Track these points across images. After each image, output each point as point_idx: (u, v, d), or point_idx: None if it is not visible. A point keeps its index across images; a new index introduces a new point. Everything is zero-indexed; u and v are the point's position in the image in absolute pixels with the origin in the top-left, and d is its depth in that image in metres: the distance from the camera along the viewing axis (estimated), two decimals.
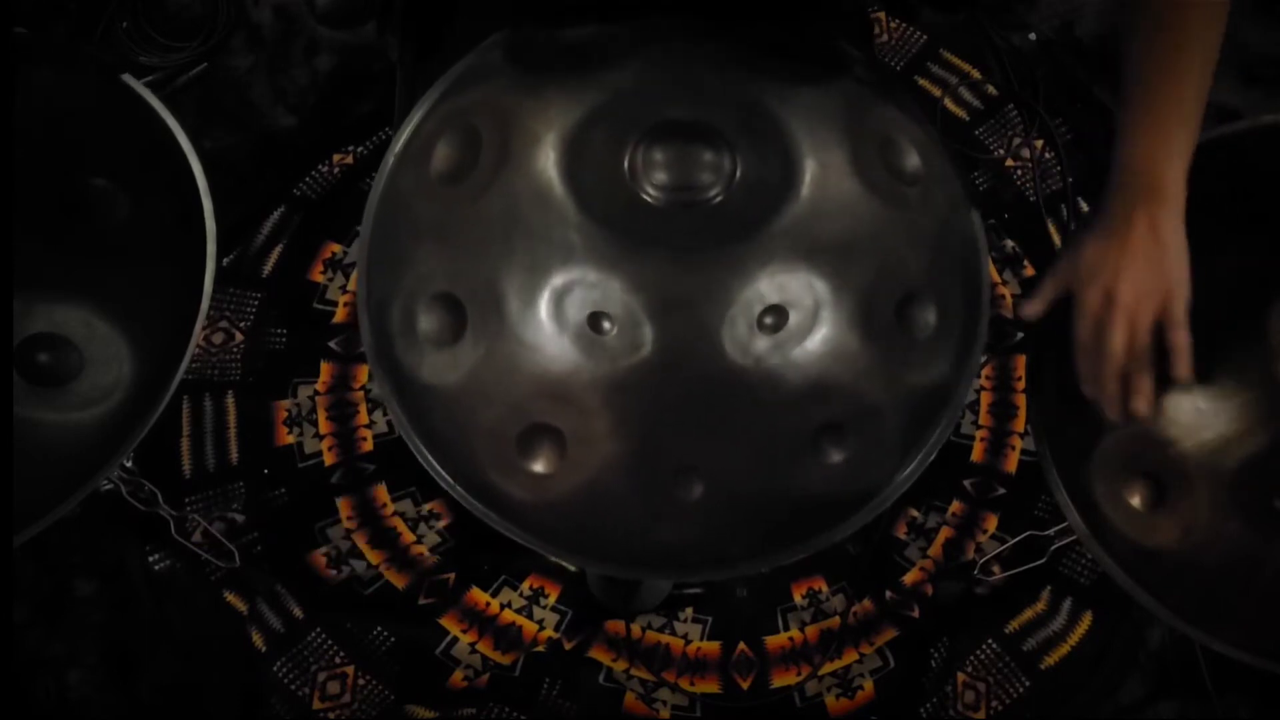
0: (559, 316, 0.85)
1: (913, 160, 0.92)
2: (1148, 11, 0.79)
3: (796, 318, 0.86)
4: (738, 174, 0.87)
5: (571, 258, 0.85)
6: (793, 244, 0.86)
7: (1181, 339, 0.81)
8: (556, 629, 1.37)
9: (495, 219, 0.87)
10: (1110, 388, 0.82)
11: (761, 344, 0.85)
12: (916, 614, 1.39)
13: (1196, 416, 1.03)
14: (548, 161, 0.87)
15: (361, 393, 1.48)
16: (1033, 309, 0.86)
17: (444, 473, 0.89)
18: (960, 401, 0.90)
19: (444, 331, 0.88)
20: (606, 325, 0.85)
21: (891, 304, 0.88)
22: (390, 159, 0.89)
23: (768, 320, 0.86)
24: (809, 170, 0.87)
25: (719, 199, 0.87)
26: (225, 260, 1.51)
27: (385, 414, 1.46)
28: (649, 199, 0.86)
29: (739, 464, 0.88)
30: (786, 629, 1.39)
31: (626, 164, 0.86)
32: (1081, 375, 0.84)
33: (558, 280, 0.85)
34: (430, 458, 0.89)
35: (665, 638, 1.38)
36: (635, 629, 1.37)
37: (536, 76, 0.91)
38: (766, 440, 0.87)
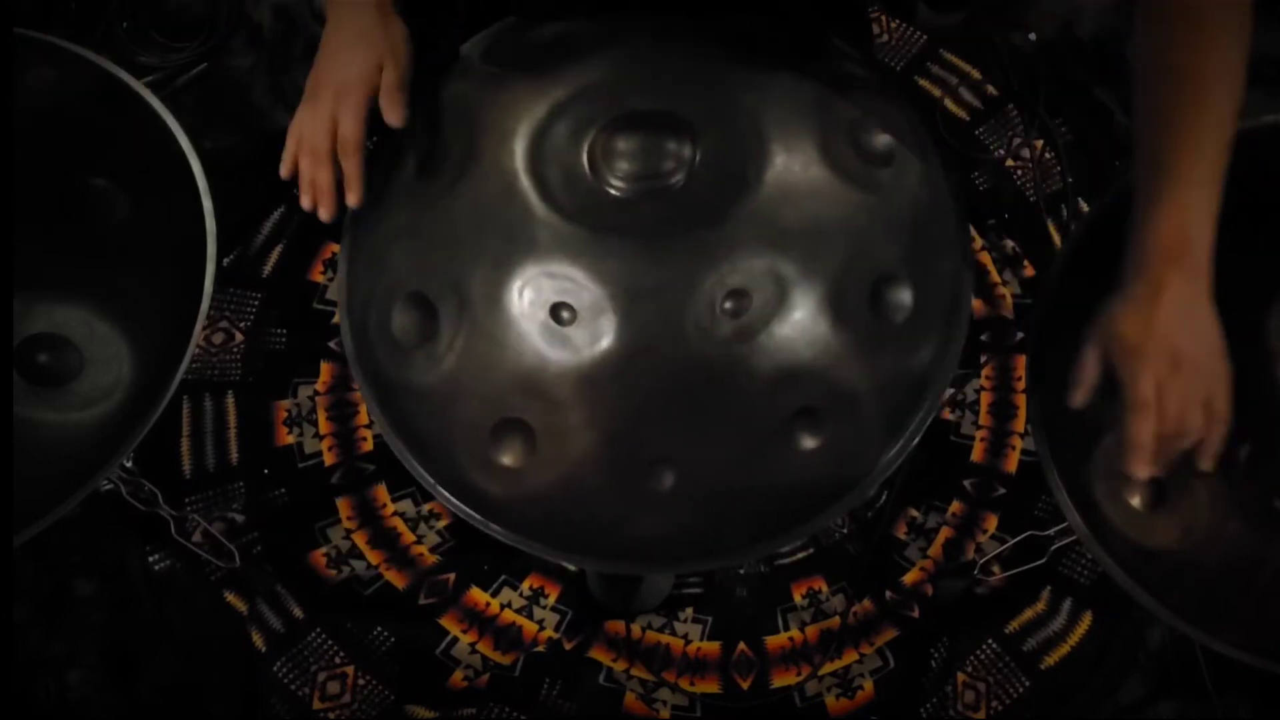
0: (523, 310, 0.85)
1: (883, 140, 0.91)
2: (1162, 69, 0.77)
3: (760, 301, 0.85)
4: (699, 161, 0.87)
5: (535, 251, 0.85)
6: (759, 229, 0.86)
7: (1219, 435, 0.81)
8: (556, 629, 1.38)
9: (464, 217, 0.88)
10: (1174, 455, 0.81)
11: (725, 328, 0.85)
12: (916, 614, 1.39)
13: None
14: (513, 157, 0.87)
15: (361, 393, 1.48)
16: (1081, 396, 0.84)
17: (425, 473, 0.89)
18: (942, 385, 0.89)
19: (418, 332, 0.89)
20: (566, 316, 0.85)
21: (864, 287, 0.87)
22: (371, 162, 0.90)
23: (728, 305, 0.85)
24: (775, 155, 0.87)
25: (680, 185, 0.87)
26: (225, 260, 1.51)
27: None
28: (611, 189, 0.87)
29: (712, 453, 0.87)
30: (786, 629, 1.39)
31: (586, 155, 0.87)
32: (1143, 449, 0.80)
33: (522, 275, 0.85)
34: (412, 458, 0.89)
35: (665, 638, 1.38)
36: (635, 629, 1.37)
37: (507, 74, 0.91)
38: (738, 428, 0.87)
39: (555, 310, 0.85)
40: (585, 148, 0.87)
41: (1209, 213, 0.77)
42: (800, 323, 0.86)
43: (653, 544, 0.90)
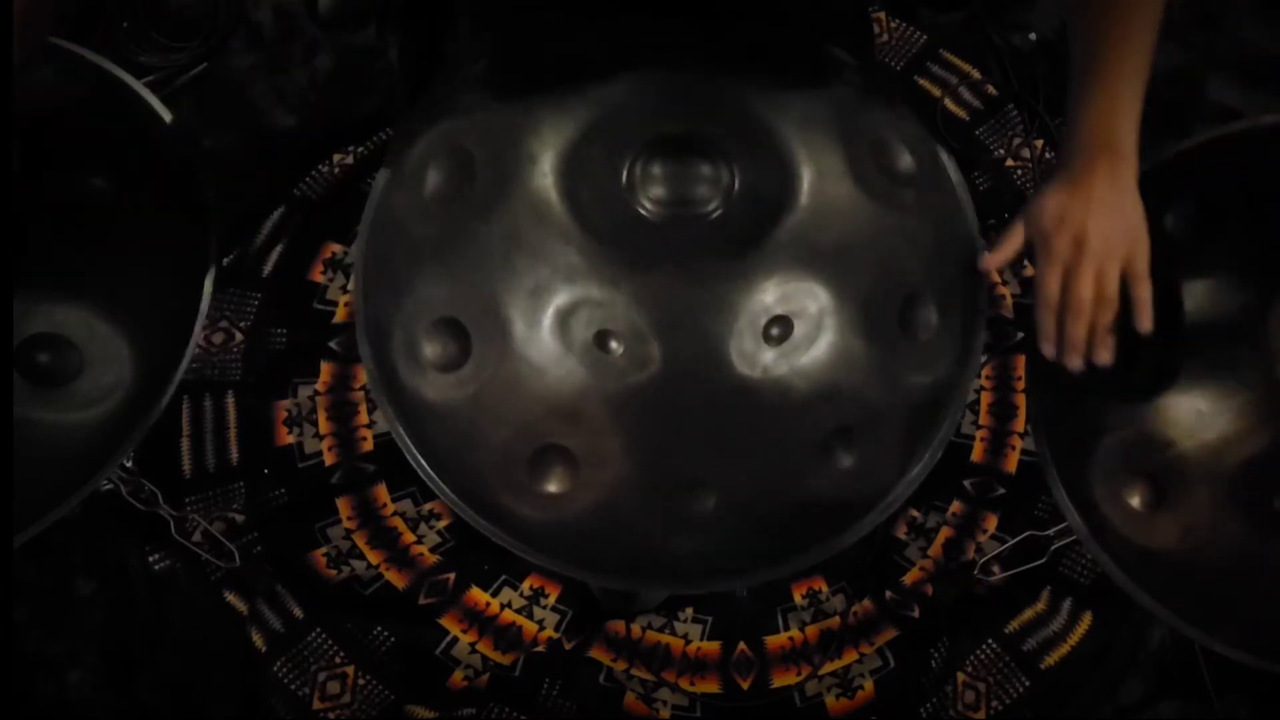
0: (565, 336, 0.85)
1: (906, 161, 0.92)
2: None
3: (802, 327, 0.86)
4: (736, 186, 0.87)
5: (574, 277, 0.85)
6: (794, 253, 0.86)
7: (1145, 292, 0.84)
8: (556, 629, 1.38)
9: (495, 241, 0.87)
10: (1076, 338, 0.83)
11: (768, 356, 0.86)
12: (916, 614, 1.39)
13: (1196, 417, 1.03)
14: (545, 181, 0.86)
15: (361, 393, 1.48)
16: (995, 260, 0.87)
17: (456, 498, 0.88)
18: (963, 397, 0.90)
19: (449, 356, 0.88)
20: (614, 344, 0.85)
21: (893, 306, 0.88)
22: (380, 182, 0.89)
23: (774, 331, 0.86)
24: (806, 178, 0.87)
25: (719, 212, 0.87)
26: (225, 260, 1.51)
27: None
28: (648, 214, 0.87)
29: (750, 475, 0.88)
30: (786, 629, 1.39)
31: (624, 180, 0.87)
32: (1043, 330, 0.85)
33: (562, 300, 0.85)
34: (442, 484, 0.88)
35: (665, 638, 1.38)
36: (635, 629, 1.37)
37: (527, 94, 0.91)
38: (777, 450, 0.87)
39: (601, 337, 0.85)
40: (623, 172, 0.87)
41: (1132, 108, 0.82)
42: (836, 344, 0.87)
43: (690, 563, 0.89)
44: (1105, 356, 0.85)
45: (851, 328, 0.86)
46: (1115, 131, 0.82)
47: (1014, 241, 0.87)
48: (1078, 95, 0.84)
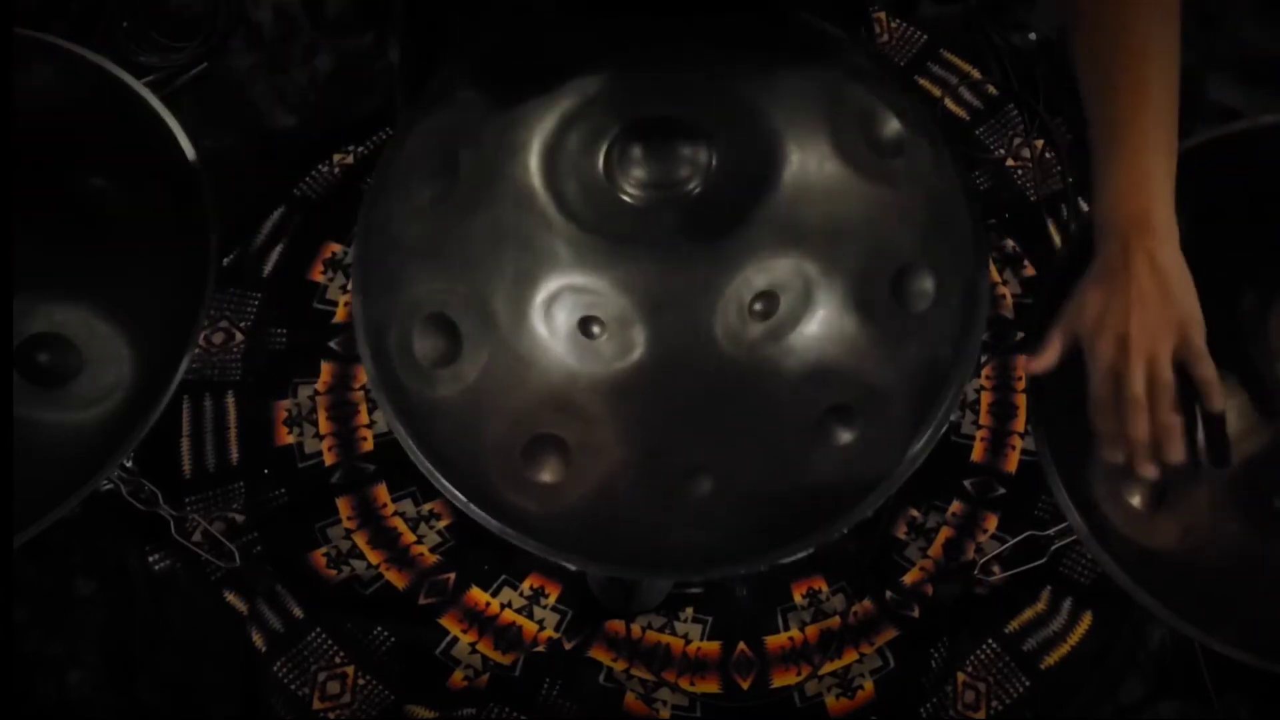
0: (550, 325, 0.85)
1: (894, 130, 0.91)
2: (1099, 46, 0.78)
3: (788, 302, 0.85)
4: (714, 164, 0.87)
5: (557, 265, 0.85)
6: (779, 230, 0.86)
7: (1208, 371, 0.77)
8: (556, 629, 1.38)
9: (482, 234, 0.87)
10: (1139, 437, 0.77)
11: (755, 332, 0.85)
12: (916, 614, 1.39)
13: None
14: (528, 171, 0.87)
15: (361, 393, 1.48)
16: (1042, 363, 0.82)
17: (459, 494, 0.88)
18: (966, 371, 0.88)
19: (443, 352, 0.88)
20: (596, 330, 0.85)
21: (885, 280, 0.87)
22: (374, 181, 0.89)
23: (758, 307, 0.85)
24: (789, 154, 0.86)
25: (698, 191, 0.86)
26: (225, 260, 1.51)
27: None
28: (628, 199, 0.86)
29: (747, 456, 0.87)
30: (786, 629, 1.39)
31: (601, 165, 0.87)
32: (1103, 436, 0.79)
33: (545, 289, 0.85)
34: (444, 480, 0.88)
35: (665, 638, 1.38)
36: (635, 629, 1.37)
37: (519, 91, 0.91)
38: (772, 429, 0.87)
39: (584, 324, 0.85)
40: (600, 158, 0.87)
41: (1164, 177, 0.76)
42: (827, 320, 0.86)
43: (691, 551, 0.89)
44: (1177, 454, 0.77)
45: (842, 303, 0.85)
46: (1148, 207, 0.75)
47: (1059, 340, 0.81)
48: (1101, 171, 0.77)
